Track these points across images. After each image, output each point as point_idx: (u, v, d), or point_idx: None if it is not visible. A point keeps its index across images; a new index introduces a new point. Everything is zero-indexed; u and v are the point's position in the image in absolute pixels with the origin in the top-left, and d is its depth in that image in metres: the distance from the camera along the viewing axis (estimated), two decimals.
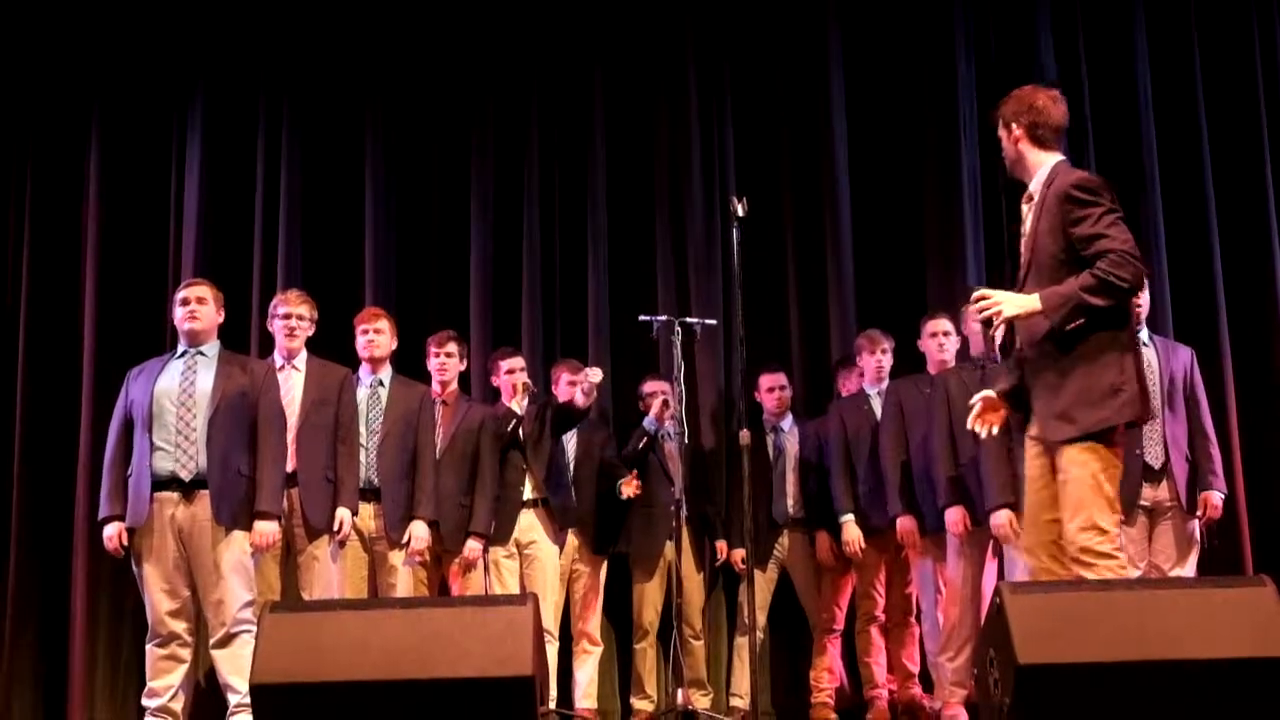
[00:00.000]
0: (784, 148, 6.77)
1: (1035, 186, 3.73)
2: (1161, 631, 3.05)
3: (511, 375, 5.69)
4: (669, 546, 5.68)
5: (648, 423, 5.84)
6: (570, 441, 5.87)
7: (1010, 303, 3.57)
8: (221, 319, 4.88)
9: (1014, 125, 3.74)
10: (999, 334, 3.68)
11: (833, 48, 6.74)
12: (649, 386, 6.03)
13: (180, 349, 4.80)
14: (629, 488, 5.60)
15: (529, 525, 5.61)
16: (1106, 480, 3.54)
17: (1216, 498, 5.16)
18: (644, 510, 5.83)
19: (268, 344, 5.40)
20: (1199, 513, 5.15)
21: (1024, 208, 3.78)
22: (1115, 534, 3.55)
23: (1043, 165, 3.71)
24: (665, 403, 5.74)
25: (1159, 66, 6.73)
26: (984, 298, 3.62)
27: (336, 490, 4.97)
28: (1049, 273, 3.59)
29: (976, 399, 3.84)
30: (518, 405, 5.59)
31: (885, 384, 5.73)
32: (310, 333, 5.22)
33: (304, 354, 5.18)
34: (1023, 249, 3.74)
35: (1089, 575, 3.48)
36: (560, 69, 6.80)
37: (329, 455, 4.99)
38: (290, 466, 4.87)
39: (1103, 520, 3.51)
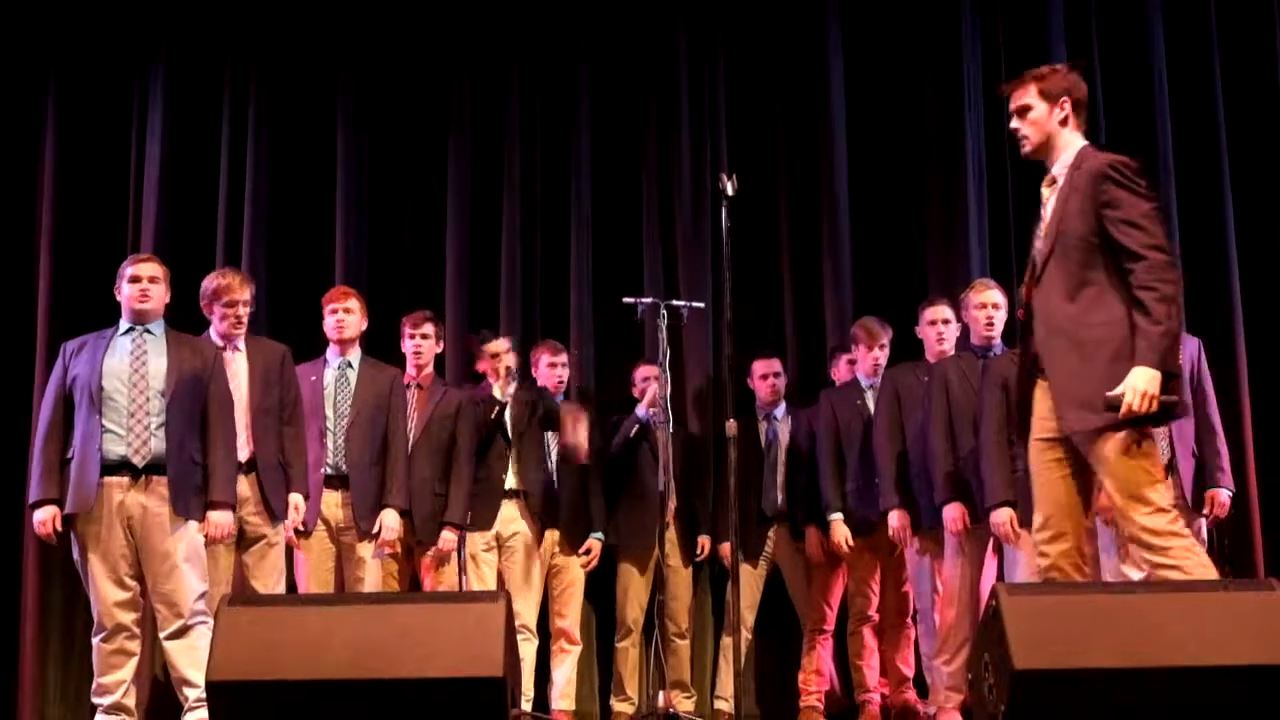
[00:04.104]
0: (779, 122, 6.74)
1: (1060, 169, 3.70)
2: (1164, 637, 3.05)
3: (496, 359, 5.61)
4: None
5: (640, 410, 5.82)
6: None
7: (1146, 387, 3.42)
8: (169, 298, 4.83)
9: (1063, 102, 3.70)
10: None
11: (832, 16, 6.71)
12: (643, 372, 6.01)
13: (124, 326, 4.73)
14: None
15: (511, 517, 5.60)
16: (1150, 464, 3.53)
17: (1224, 495, 5.19)
18: (634, 501, 5.83)
19: None
20: (1205, 511, 5.17)
21: (1044, 192, 3.74)
22: (1175, 513, 3.57)
23: (1069, 147, 3.70)
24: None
25: (1175, 46, 6.69)
26: (1131, 403, 3.42)
27: (287, 475, 4.96)
28: (1077, 256, 3.57)
29: None
30: (500, 391, 5.56)
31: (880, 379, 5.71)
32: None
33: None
34: (1043, 234, 3.69)
35: (1161, 560, 3.48)
36: (543, 37, 6.75)
37: (281, 438, 4.98)
38: (247, 453, 4.85)
39: (1160, 499, 3.52)
